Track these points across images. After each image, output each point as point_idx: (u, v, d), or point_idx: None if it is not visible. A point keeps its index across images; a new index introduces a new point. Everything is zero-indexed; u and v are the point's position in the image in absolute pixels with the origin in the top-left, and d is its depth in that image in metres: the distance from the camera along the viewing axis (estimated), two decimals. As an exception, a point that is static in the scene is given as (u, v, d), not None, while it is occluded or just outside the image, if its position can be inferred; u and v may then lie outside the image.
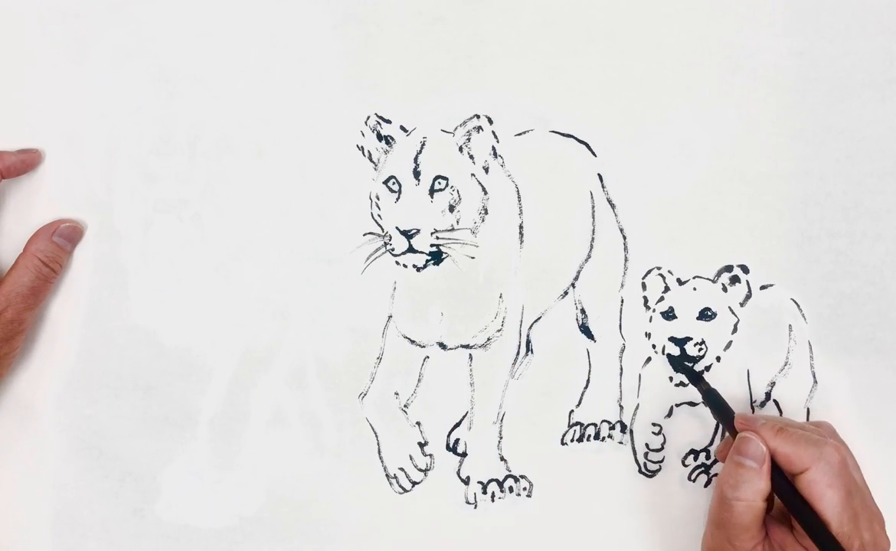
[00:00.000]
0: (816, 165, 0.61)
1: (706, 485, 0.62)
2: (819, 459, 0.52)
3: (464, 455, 0.63)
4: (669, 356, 0.61)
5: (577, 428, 0.63)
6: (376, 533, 0.63)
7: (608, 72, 0.62)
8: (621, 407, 0.63)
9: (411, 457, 0.63)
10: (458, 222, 0.61)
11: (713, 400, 0.59)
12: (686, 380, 0.62)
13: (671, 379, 0.62)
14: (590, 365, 0.63)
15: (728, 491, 0.53)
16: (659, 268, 0.62)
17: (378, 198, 0.62)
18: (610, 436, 0.63)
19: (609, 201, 0.62)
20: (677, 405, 0.62)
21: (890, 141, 0.60)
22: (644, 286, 0.62)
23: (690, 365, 0.61)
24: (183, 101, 0.64)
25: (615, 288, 0.62)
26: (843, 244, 0.61)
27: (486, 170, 0.62)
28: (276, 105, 0.64)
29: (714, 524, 0.55)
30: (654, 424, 0.62)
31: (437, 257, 0.62)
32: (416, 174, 0.61)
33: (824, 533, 0.51)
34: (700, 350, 0.61)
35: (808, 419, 0.61)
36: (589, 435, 0.63)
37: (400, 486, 0.63)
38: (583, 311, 0.63)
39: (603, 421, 0.63)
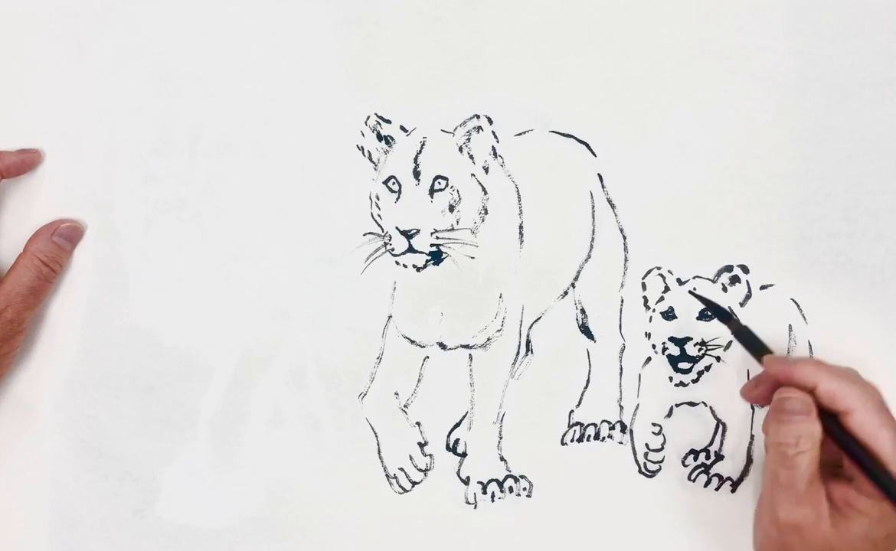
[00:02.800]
0: (816, 165, 0.61)
1: (706, 485, 0.62)
2: (865, 399, 0.52)
3: (464, 455, 0.63)
4: (669, 356, 0.61)
5: (577, 428, 0.63)
6: (376, 533, 0.63)
7: (608, 72, 0.62)
8: (621, 407, 0.63)
9: (411, 457, 0.63)
10: (458, 222, 0.61)
11: (746, 339, 0.58)
12: (686, 380, 0.62)
13: (671, 379, 0.62)
14: (590, 365, 0.63)
15: (789, 449, 0.52)
16: (659, 268, 0.62)
17: (378, 198, 0.62)
18: (610, 436, 0.63)
19: (609, 201, 0.62)
20: (677, 405, 0.62)
21: (890, 141, 0.60)
22: (644, 286, 0.62)
23: (689, 366, 0.61)
24: (183, 101, 0.64)
25: (615, 288, 0.62)
26: (843, 244, 0.61)
27: (486, 170, 0.62)
28: (276, 105, 0.64)
29: (777, 493, 0.53)
30: (654, 424, 0.62)
31: (437, 257, 0.62)
32: (416, 174, 0.61)
33: (883, 470, 0.50)
34: (700, 350, 0.61)
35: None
36: (589, 436, 0.63)
37: (400, 486, 0.63)
38: (583, 311, 0.63)
39: (603, 421, 0.63)
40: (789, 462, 0.52)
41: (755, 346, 0.57)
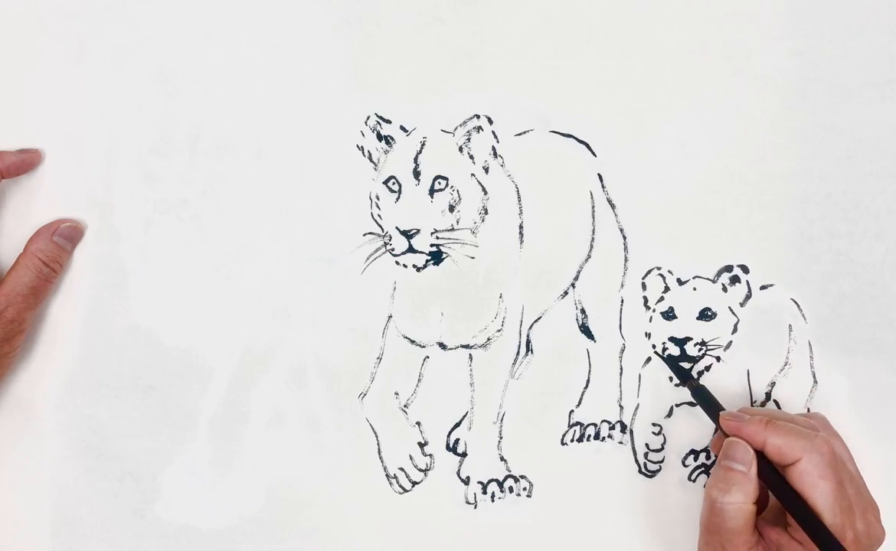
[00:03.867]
0: (816, 165, 0.61)
1: (706, 485, 0.62)
2: (810, 450, 0.52)
3: (464, 455, 0.63)
4: (669, 356, 0.61)
5: (577, 428, 0.63)
6: (376, 533, 0.63)
7: (608, 72, 0.62)
8: (621, 407, 0.63)
9: (411, 457, 0.63)
10: (458, 222, 0.61)
11: (702, 397, 0.59)
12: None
13: (671, 379, 0.62)
14: (590, 365, 0.63)
15: (718, 496, 0.53)
16: (659, 268, 0.62)
17: (378, 198, 0.62)
18: (610, 436, 0.63)
19: (609, 201, 0.62)
20: (677, 405, 0.62)
21: (890, 141, 0.60)
22: (644, 286, 0.62)
23: (689, 366, 0.61)
24: (183, 101, 0.64)
25: (615, 288, 0.62)
26: (843, 244, 0.61)
27: (486, 170, 0.62)
28: (276, 105, 0.64)
29: (707, 531, 0.54)
30: (654, 424, 0.62)
31: (437, 257, 0.62)
32: (416, 174, 0.61)
33: (817, 523, 0.51)
34: (700, 350, 0.61)
35: (808, 419, 0.61)
36: (589, 435, 0.63)
37: (400, 486, 0.63)
38: (583, 311, 0.63)
39: (603, 421, 0.63)
40: (717, 509, 0.53)
41: (712, 405, 0.59)
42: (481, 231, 0.62)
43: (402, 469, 0.63)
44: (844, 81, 0.61)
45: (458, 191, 0.61)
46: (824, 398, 0.61)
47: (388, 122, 0.62)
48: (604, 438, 0.63)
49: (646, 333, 0.62)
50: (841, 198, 0.61)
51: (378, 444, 0.63)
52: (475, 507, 0.63)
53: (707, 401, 0.59)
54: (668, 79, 0.61)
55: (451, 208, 0.61)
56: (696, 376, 0.62)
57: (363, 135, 0.63)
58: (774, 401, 0.61)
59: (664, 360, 0.62)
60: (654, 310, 0.62)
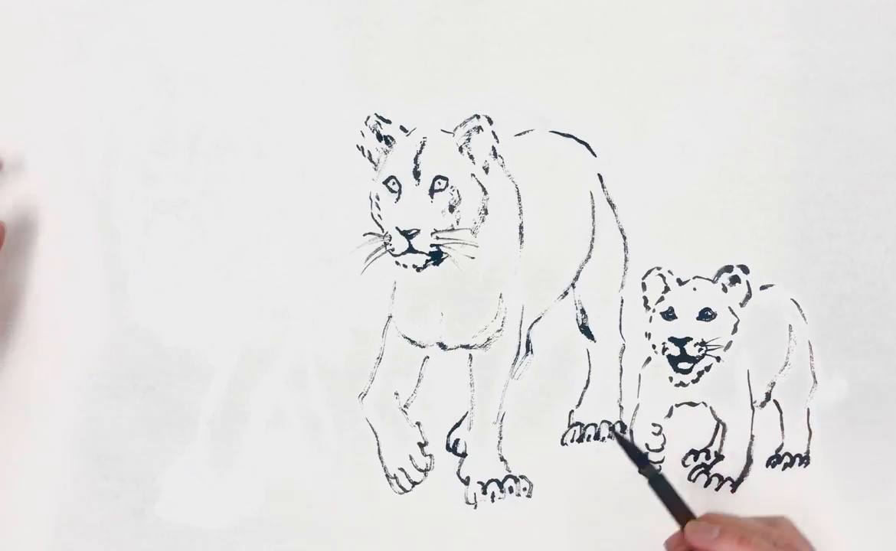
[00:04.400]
0: (816, 165, 0.61)
1: (706, 485, 0.62)
2: None
3: (464, 455, 0.63)
4: (622, 440, 0.60)
5: (577, 428, 0.63)
6: (376, 533, 0.63)
7: (608, 72, 0.62)
8: (621, 407, 0.63)
9: (411, 457, 0.63)
10: (458, 222, 0.61)
11: (662, 489, 0.54)
12: (686, 381, 0.62)
13: (671, 379, 0.62)
14: (590, 365, 0.63)
15: None
16: (659, 268, 0.62)
17: (378, 198, 0.62)
18: (610, 436, 0.63)
19: (609, 201, 0.62)
20: (677, 405, 0.62)
21: (890, 141, 0.60)
22: (644, 286, 0.62)
23: (689, 366, 0.61)
24: (183, 101, 0.64)
25: (615, 288, 0.62)
26: (843, 244, 0.61)
27: (486, 170, 0.62)
28: (276, 105, 0.64)
29: None
30: (653, 424, 0.62)
31: (437, 257, 0.62)
32: (416, 174, 0.61)
33: None
34: (700, 350, 0.61)
35: (808, 419, 0.61)
36: (589, 436, 0.63)
37: (400, 486, 0.63)
38: (583, 311, 0.63)
39: (603, 421, 0.63)
40: None
41: (672, 502, 0.54)
42: (481, 231, 0.62)
43: (402, 469, 0.63)
44: (844, 81, 0.61)
45: (458, 191, 0.61)
46: (824, 398, 0.61)
47: (388, 122, 0.62)
48: (604, 438, 0.63)
49: (646, 333, 0.62)
50: (841, 198, 0.61)
51: (378, 444, 0.63)
52: (475, 507, 0.63)
53: (667, 495, 0.54)
54: (668, 79, 0.61)
55: (451, 208, 0.61)
56: (697, 377, 0.61)
57: (363, 135, 0.63)
58: (774, 400, 0.61)
59: (620, 443, 0.58)
60: (654, 311, 0.62)
